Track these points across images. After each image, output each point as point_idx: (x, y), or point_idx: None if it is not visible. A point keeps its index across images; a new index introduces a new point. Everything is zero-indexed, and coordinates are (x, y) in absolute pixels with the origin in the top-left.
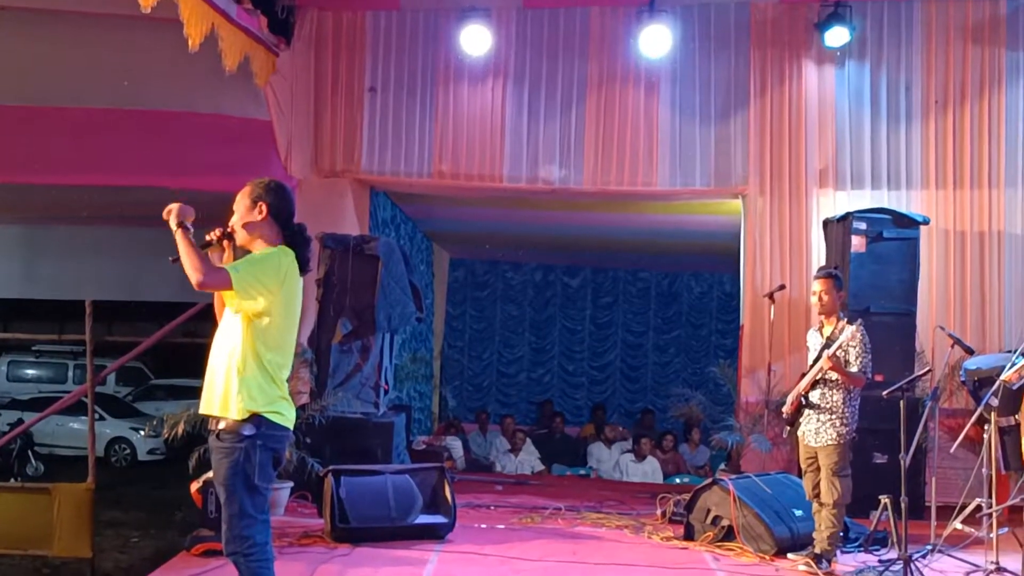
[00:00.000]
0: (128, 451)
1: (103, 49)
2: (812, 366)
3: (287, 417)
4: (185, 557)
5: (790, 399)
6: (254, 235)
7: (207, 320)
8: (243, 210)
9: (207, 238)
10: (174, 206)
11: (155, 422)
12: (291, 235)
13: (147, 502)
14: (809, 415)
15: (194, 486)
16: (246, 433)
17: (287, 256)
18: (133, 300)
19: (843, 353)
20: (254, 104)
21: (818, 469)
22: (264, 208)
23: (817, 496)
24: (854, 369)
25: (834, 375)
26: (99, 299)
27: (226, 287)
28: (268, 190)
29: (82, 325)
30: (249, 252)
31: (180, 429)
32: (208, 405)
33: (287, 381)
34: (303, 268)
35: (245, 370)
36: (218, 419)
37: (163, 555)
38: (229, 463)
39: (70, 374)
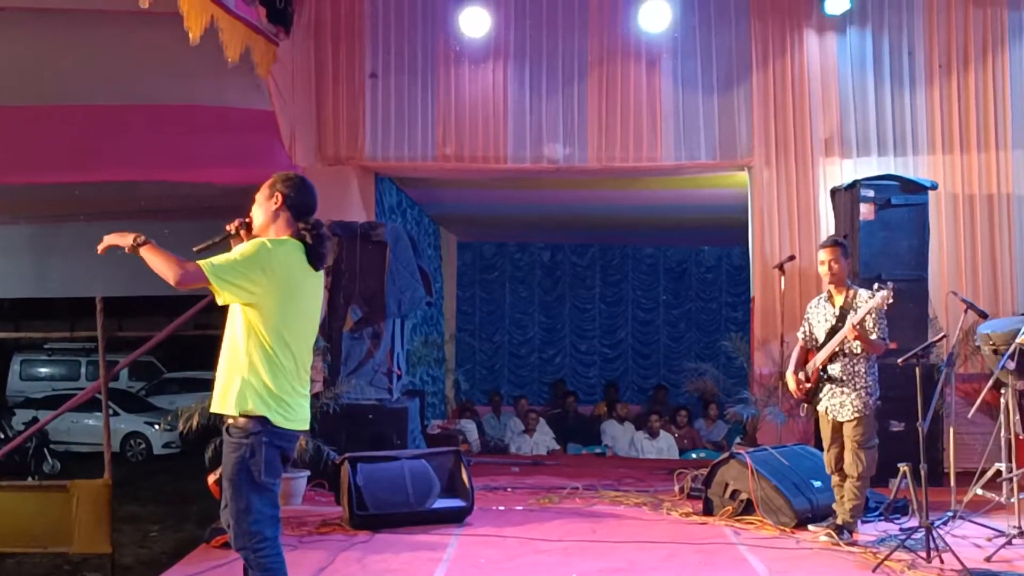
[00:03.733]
0: (143, 445)
1: (104, 46)
2: (828, 338)
3: (294, 417)
4: (205, 549)
5: (791, 378)
6: (267, 224)
7: (218, 312)
8: (260, 200)
9: (227, 228)
10: (107, 240)
11: (170, 416)
12: (304, 228)
13: (164, 496)
14: (831, 389)
15: (211, 478)
16: (251, 429)
17: (281, 247)
18: (144, 295)
19: (859, 322)
20: (256, 94)
21: (841, 444)
22: (279, 198)
23: (839, 470)
24: (873, 336)
25: (856, 346)
26: (109, 295)
27: (203, 282)
28: (286, 181)
29: (93, 322)
30: None
31: (195, 422)
32: (215, 403)
33: (303, 373)
34: (317, 262)
35: (247, 366)
36: (226, 416)
37: (183, 548)
38: (235, 459)
39: (83, 371)
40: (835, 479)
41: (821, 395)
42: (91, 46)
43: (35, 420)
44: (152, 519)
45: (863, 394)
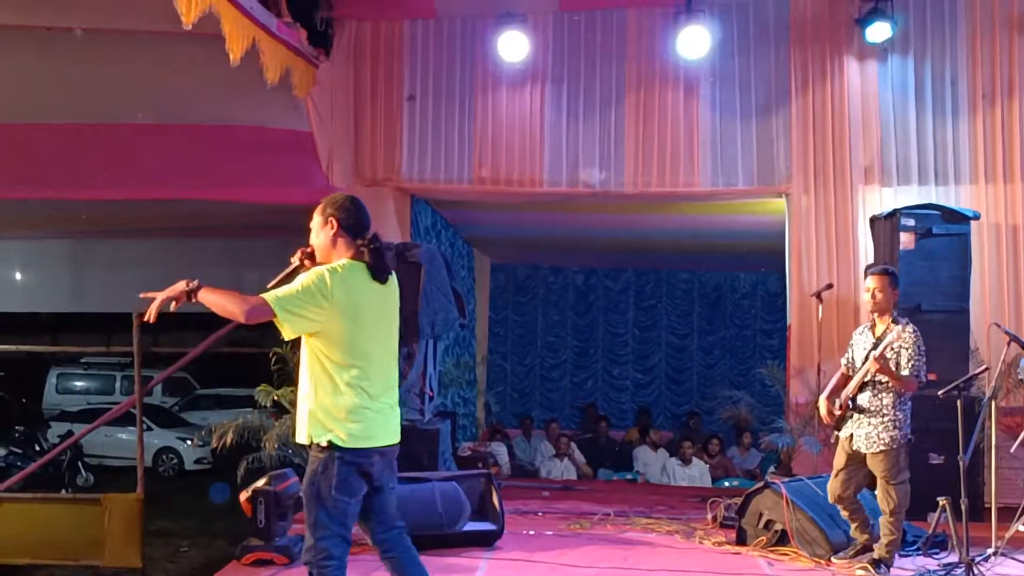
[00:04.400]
0: (175, 460)
1: (145, 65)
2: (861, 367)
3: (371, 434)
4: (236, 567)
5: (823, 403)
6: (328, 250)
7: (252, 330)
8: (316, 228)
9: (291, 261)
10: (159, 299)
11: (203, 432)
12: (362, 245)
13: (195, 511)
14: (859, 419)
15: (243, 495)
16: (323, 445)
17: (341, 272)
18: (179, 311)
19: (894, 355)
20: (295, 115)
21: (850, 473)
22: (335, 223)
23: (842, 499)
24: (905, 372)
25: (882, 377)
26: (144, 311)
27: (270, 317)
28: (336, 205)
29: (129, 337)
30: None
31: (229, 439)
32: (297, 432)
33: (382, 388)
34: (380, 276)
35: (312, 394)
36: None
37: (213, 565)
38: (309, 473)
39: (117, 385)
40: (843, 511)
41: (848, 423)
42: (132, 65)
43: (70, 433)
44: (183, 534)
45: (890, 427)
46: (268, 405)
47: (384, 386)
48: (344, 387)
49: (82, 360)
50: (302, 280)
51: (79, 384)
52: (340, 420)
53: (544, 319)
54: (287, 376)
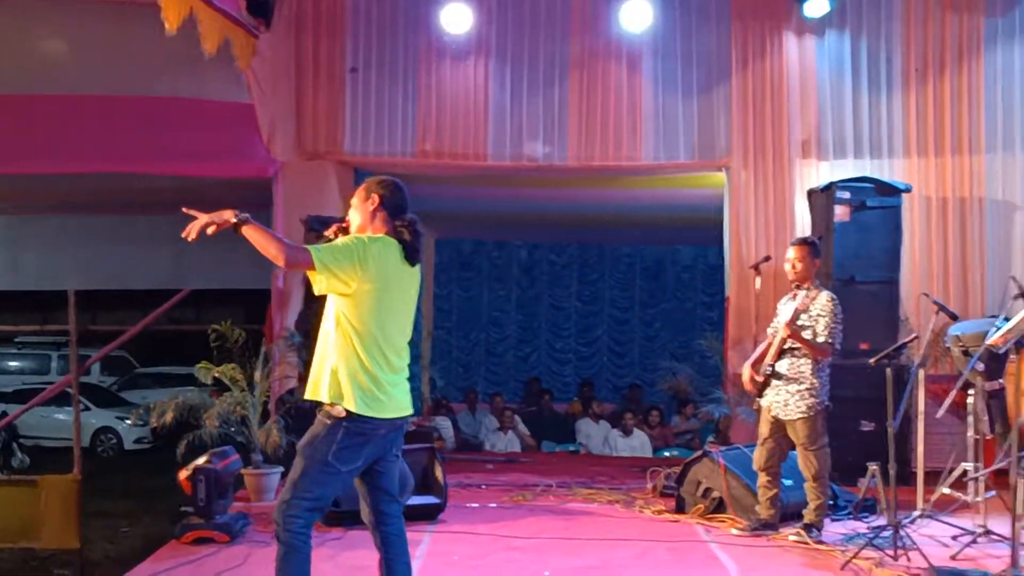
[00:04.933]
0: (114, 441)
1: (82, 36)
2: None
3: (383, 407)
4: (175, 545)
5: (747, 370)
6: (365, 225)
7: (192, 307)
8: (357, 203)
9: (326, 234)
10: (202, 220)
11: (141, 411)
12: (400, 225)
13: (135, 491)
14: (777, 386)
15: (183, 473)
16: (335, 414)
17: (379, 242)
18: (118, 288)
19: (812, 322)
20: (236, 87)
21: (776, 442)
22: (376, 199)
23: (766, 468)
24: (822, 339)
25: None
26: (84, 289)
27: (309, 266)
28: (381, 183)
29: (65, 315)
30: None
31: (169, 417)
32: (308, 390)
33: (396, 363)
34: (412, 257)
35: (337, 356)
36: (317, 402)
37: (153, 544)
38: (311, 433)
39: (53, 365)
40: (762, 478)
41: (768, 391)
42: (69, 36)
43: (4, 414)
44: (122, 515)
45: (807, 395)
46: (208, 382)
47: (399, 362)
48: (364, 354)
49: (16, 340)
50: (343, 240)
51: (13, 364)
52: (356, 386)
53: (489, 294)
54: (227, 353)
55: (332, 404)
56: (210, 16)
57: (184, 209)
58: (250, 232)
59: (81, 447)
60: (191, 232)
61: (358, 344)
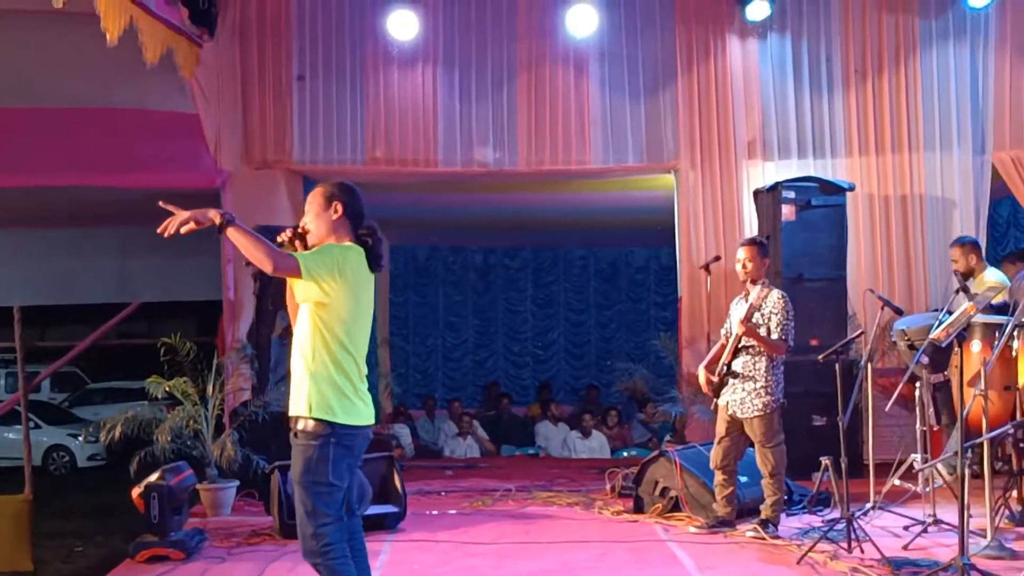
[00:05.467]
0: (67, 458)
1: (17, 47)
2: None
3: (361, 415)
4: (130, 565)
5: (702, 372)
6: (327, 235)
7: (142, 320)
8: (317, 209)
9: (278, 239)
10: (182, 216)
11: (92, 428)
12: (364, 233)
13: (89, 510)
14: (734, 384)
15: (135, 491)
16: (321, 432)
17: (351, 251)
18: (64, 303)
19: (765, 320)
20: (180, 97)
21: (733, 440)
22: (340, 208)
23: (723, 467)
24: (775, 336)
25: (755, 342)
26: (29, 304)
27: (295, 273)
28: (343, 190)
29: (11, 332)
30: None
31: (118, 432)
32: (291, 406)
33: (363, 372)
34: (376, 265)
35: (315, 366)
36: (296, 419)
37: (108, 563)
38: (303, 461)
39: (1, 383)
40: (719, 476)
41: (725, 390)
42: (6, 47)
43: None
44: (76, 534)
45: (763, 392)
46: (159, 397)
47: (363, 372)
48: (342, 363)
49: None
50: (321, 250)
51: None
52: (336, 396)
53: (445, 299)
54: (178, 367)
55: (316, 420)
56: (151, 25)
57: (161, 203)
58: (235, 234)
59: (32, 466)
60: (169, 227)
61: (336, 353)
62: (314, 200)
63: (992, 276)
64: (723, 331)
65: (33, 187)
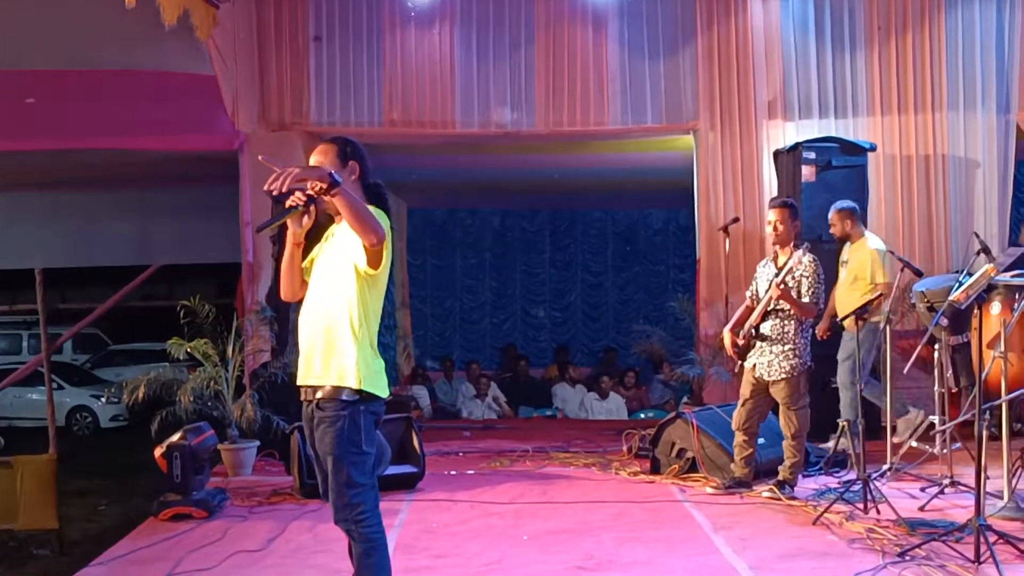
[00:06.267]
0: (90, 419)
1: (39, 10)
2: (764, 297)
3: (382, 384)
4: (153, 523)
5: (727, 335)
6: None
7: (163, 283)
8: (331, 168)
9: (289, 203)
10: (297, 171)
11: (114, 388)
12: (376, 196)
13: (112, 469)
14: (761, 347)
15: (157, 451)
16: (349, 399)
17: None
18: (85, 266)
19: (795, 283)
20: (197, 59)
21: (757, 403)
22: (357, 168)
23: (744, 428)
24: (805, 299)
25: (785, 305)
26: (50, 267)
27: (383, 242)
28: (355, 148)
29: (34, 294)
30: (331, 217)
31: (140, 394)
32: (308, 374)
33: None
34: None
35: (362, 334)
36: (316, 388)
37: (131, 522)
38: (335, 431)
39: (24, 344)
40: (739, 437)
41: (752, 352)
42: (25, 10)
43: None
44: (100, 493)
45: (790, 355)
46: (180, 358)
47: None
48: (371, 333)
49: None
50: (381, 215)
51: None
52: (368, 366)
53: (462, 262)
54: (198, 329)
55: (344, 388)
56: None
57: (261, 158)
58: (344, 202)
59: (56, 426)
60: (281, 183)
61: (373, 323)
62: (326, 160)
63: (872, 243)
64: (748, 293)
65: (53, 150)
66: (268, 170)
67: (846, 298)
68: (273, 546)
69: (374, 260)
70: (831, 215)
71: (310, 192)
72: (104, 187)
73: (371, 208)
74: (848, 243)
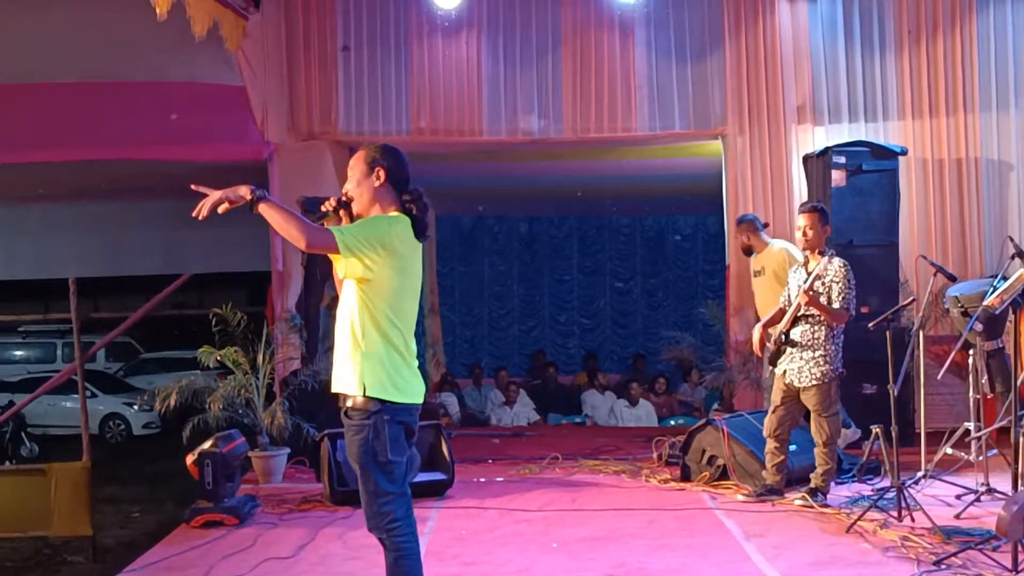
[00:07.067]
0: (123, 427)
1: (70, 23)
2: (794, 302)
3: (413, 391)
4: (185, 529)
5: (757, 331)
6: (371, 202)
7: (193, 291)
8: (359, 176)
9: (322, 208)
10: (214, 197)
11: (147, 396)
12: (409, 200)
13: (145, 476)
14: (792, 353)
15: (189, 458)
16: (372, 409)
17: (398, 222)
18: (116, 275)
19: (825, 289)
20: (227, 70)
21: (788, 409)
22: (382, 173)
23: (775, 435)
24: (836, 305)
25: (815, 311)
26: (82, 276)
27: (332, 249)
28: (385, 154)
29: (67, 303)
30: None
31: (172, 401)
32: (336, 382)
33: (412, 347)
34: (422, 234)
35: (365, 344)
36: (346, 396)
37: (164, 529)
38: (360, 441)
39: (58, 353)
40: (771, 444)
41: (782, 359)
42: (57, 23)
43: (11, 404)
44: (133, 500)
45: (821, 362)
46: (210, 366)
47: (413, 347)
48: (391, 340)
49: (20, 329)
50: (364, 223)
51: (18, 353)
52: (390, 373)
53: (491, 268)
54: (228, 337)
55: (363, 398)
56: None
57: (193, 186)
58: (268, 211)
59: (90, 434)
60: (202, 209)
61: (386, 329)
62: (356, 166)
63: (779, 246)
64: (781, 299)
65: (86, 161)
66: (296, 180)
67: (774, 300)
68: (303, 553)
69: (350, 269)
70: (736, 228)
71: (342, 198)
72: (135, 197)
73: (378, 214)
74: (754, 254)
